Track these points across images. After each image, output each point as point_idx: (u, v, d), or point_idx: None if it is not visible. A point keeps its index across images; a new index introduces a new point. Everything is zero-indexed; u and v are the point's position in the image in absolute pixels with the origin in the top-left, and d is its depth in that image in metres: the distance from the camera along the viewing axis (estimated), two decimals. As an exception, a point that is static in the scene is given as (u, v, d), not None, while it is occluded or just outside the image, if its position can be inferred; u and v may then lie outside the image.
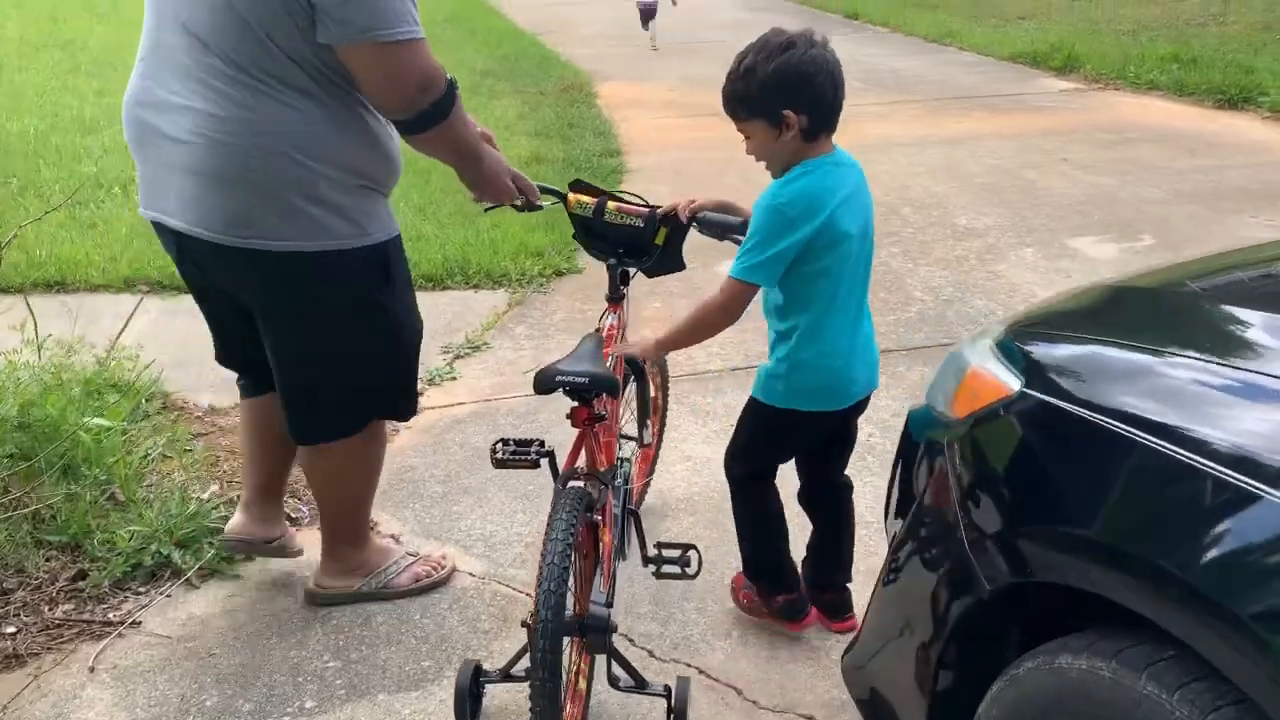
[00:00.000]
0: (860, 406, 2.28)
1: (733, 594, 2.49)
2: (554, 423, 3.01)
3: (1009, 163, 6.82)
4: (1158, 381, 1.29)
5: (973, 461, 1.44)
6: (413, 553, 2.70)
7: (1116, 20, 13.03)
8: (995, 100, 8.98)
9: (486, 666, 2.10)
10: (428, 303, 4.55)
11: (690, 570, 2.24)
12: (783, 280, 2.07)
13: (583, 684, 2.06)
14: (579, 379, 1.94)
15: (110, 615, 2.52)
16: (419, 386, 3.56)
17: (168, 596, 2.60)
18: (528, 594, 2.55)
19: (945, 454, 1.46)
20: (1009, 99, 9.04)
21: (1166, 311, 1.54)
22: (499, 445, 2.03)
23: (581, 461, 2.10)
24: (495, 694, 2.21)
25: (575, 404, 2.03)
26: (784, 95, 1.95)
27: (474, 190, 2.35)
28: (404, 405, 2.50)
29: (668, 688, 2.06)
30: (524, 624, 1.89)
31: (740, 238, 2.17)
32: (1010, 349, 1.45)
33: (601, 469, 2.11)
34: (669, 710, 2.05)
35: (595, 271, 4.98)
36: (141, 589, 2.62)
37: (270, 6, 1.95)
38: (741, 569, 2.47)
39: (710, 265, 4.12)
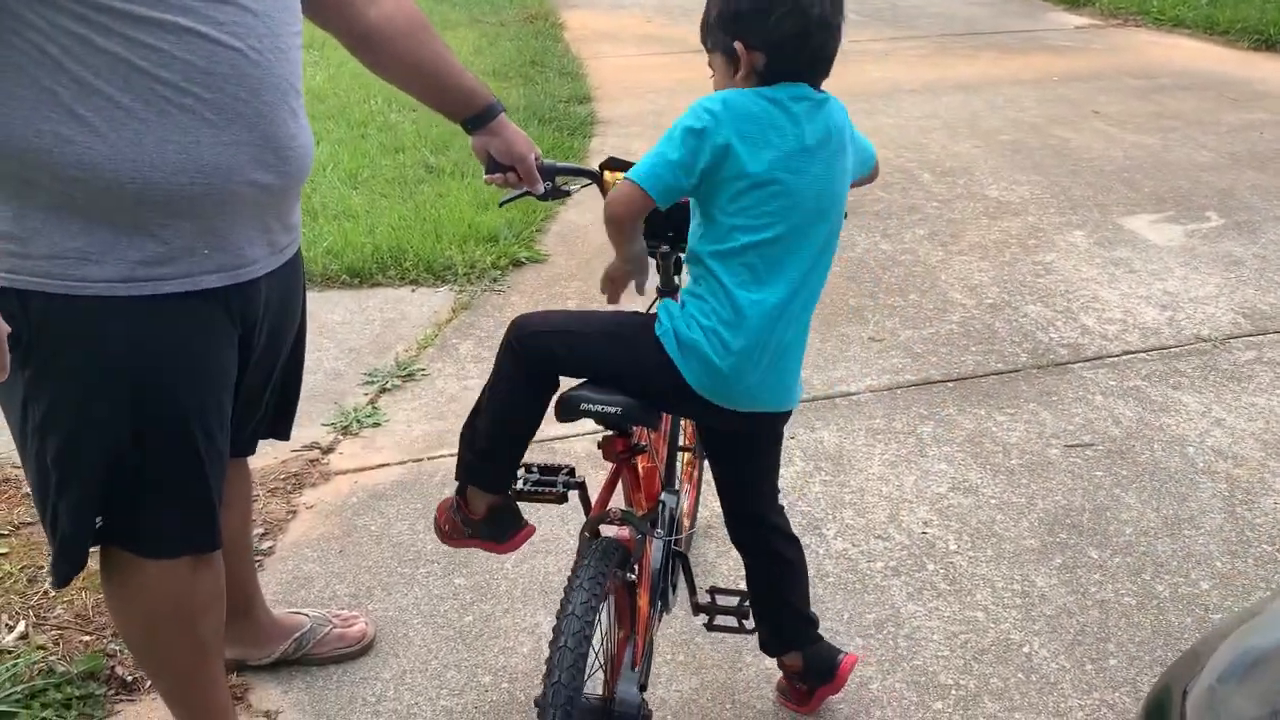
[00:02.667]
0: (765, 421, 1.69)
1: (435, 526, 1.86)
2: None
3: (1033, 115, 5.95)
4: None
5: None
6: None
7: (1124, -55, 12.08)
8: (1006, 38, 8.06)
9: None
10: (353, 306, 3.72)
11: (750, 624, 1.89)
12: (703, 216, 1.63)
13: None
14: (609, 408, 1.58)
15: None
16: (332, 437, 2.68)
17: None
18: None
19: None
20: (1021, 37, 8.12)
21: None
22: (521, 471, 1.69)
23: (618, 502, 1.74)
24: None
25: (608, 432, 1.67)
26: (736, 25, 1.59)
27: None
28: (137, 533, 1.53)
29: None
30: (536, 703, 1.50)
31: None
32: None
33: (640, 513, 1.76)
34: None
35: (563, 259, 4.09)
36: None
37: None
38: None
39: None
